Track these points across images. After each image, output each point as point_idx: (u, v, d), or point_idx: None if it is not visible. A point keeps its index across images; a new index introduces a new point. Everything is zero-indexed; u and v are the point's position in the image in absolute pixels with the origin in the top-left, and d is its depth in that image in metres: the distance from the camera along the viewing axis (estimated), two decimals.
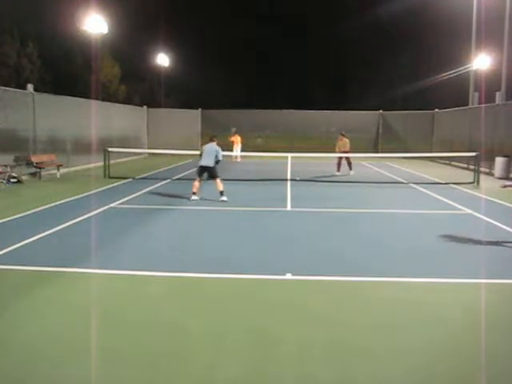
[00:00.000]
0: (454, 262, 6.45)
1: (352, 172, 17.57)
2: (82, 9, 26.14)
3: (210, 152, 10.89)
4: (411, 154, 22.76)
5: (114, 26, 31.02)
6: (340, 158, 17.81)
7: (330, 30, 75.31)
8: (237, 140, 24.13)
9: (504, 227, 8.55)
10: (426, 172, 18.99)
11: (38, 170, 15.42)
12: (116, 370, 3.60)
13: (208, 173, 11.06)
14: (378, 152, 27.84)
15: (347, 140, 17.79)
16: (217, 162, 11.02)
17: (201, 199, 11.24)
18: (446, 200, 11.74)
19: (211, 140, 11.35)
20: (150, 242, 7.43)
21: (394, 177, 17.34)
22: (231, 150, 23.07)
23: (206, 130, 30.10)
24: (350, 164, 17.75)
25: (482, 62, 26.75)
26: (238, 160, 23.91)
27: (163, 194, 12.57)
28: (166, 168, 19.66)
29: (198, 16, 64.82)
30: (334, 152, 18.24)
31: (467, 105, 25.65)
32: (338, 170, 17.75)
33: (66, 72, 39.59)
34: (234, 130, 24.65)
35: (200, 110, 30.26)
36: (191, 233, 8.13)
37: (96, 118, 20.13)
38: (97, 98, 24.71)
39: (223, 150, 11.64)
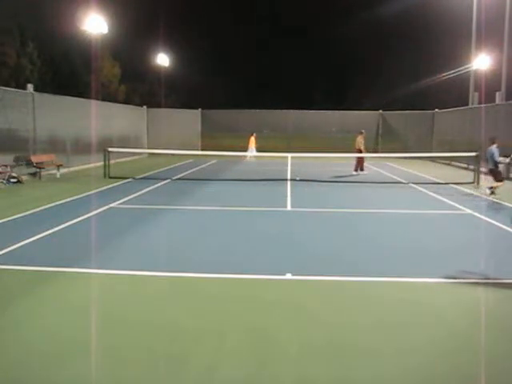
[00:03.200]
0: (454, 262, 6.44)
1: (355, 172, 17.51)
2: (82, 9, 26.16)
3: (489, 154, 11.28)
4: (411, 154, 22.75)
5: (114, 26, 31.06)
6: (358, 157, 17.79)
7: (330, 30, 75.35)
8: (253, 141, 24.84)
9: (504, 227, 8.55)
10: (426, 172, 18.98)
11: (38, 170, 15.43)
12: (116, 369, 3.60)
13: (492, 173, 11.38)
14: (378, 152, 27.84)
15: (360, 139, 17.68)
16: (495, 163, 11.43)
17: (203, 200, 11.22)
18: (446, 200, 11.74)
19: (492, 142, 11.68)
20: (150, 241, 7.42)
21: (394, 177, 17.34)
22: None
23: (206, 130, 30.17)
24: (358, 164, 17.68)
25: (481, 61, 26.75)
26: (248, 159, 24.28)
27: (163, 194, 12.57)
28: (165, 168, 19.66)
29: (198, 16, 64.85)
30: (333, 152, 18.30)
31: (467, 105, 25.66)
32: (358, 169, 17.68)
33: (66, 72, 39.62)
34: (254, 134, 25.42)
35: (200, 110, 30.28)
36: (191, 233, 8.12)
37: (96, 118, 20.13)
38: (97, 98, 24.72)
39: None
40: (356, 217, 9.80)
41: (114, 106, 24.93)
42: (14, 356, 3.77)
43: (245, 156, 23.74)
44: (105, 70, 43.21)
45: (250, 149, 24.36)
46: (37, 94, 16.57)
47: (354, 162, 18.14)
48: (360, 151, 17.68)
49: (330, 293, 5.28)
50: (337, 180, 16.13)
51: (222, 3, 74.34)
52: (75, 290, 5.23)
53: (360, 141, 17.73)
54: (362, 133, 17.89)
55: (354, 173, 17.54)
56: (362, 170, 17.71)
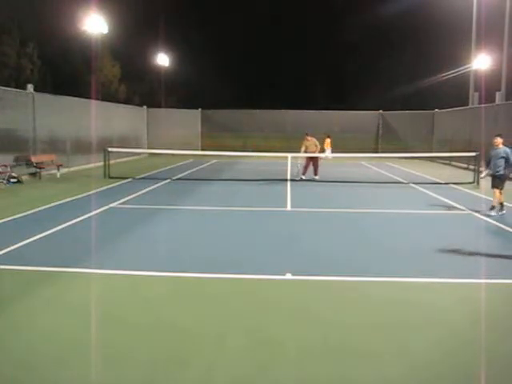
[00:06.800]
0: (454, 262, 6.44)
1: (317, 177, 16.15)
2: (82, 9, 26.18)
3: (496, 157, 9.50)
4: (411, 154, 22.76)
5: (114, 26, 31.05)
6: (308, 159, 16.40)
7: (330, 30, 75.41)
8: (328, 142, 24.83)
9: (503, 227, 8.55)
10: (426, 172, 18.99)
11: (38, 170, 15.43)
12: (115, 369, 3.60)
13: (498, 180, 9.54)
14: (378, 152, 27.84)
15: (315, 140, 16.50)
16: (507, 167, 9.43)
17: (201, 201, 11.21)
18: (446, 200, 11.74)
19: (499, 141, 9.83)
20: (150, 241, 7.42)
21: (394, 177, 17.35)
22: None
23: (206, 130, 30.20)
24: (316, 168, 16.30)
25: (481, 61, 26.75)
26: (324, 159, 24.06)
27: (163, 193, 12.57)
28: (165, 168, 19.66)
29: (198, 16, 64.88)
30: (333, 152, 17.86)
31: (467, 105, 25.65)
32: (304, 173, 16.18)
33: (66, 72, 39.61)
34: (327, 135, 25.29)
35: (200, 110, 30.29)
36: (191, 233, 8.12)
37: (96, 117, 20.15)
38: (97, 98, 24.72)
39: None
40: (356, 217, 9.79)
41: (113, 106, 24.92)
42: (13, 356, 3.77)
43: (326, 156, 23.29)
44: (105, 69, 43.18)
45: (327, 149, 24.34)
46: (37, 94, 16.56)
47: (354, 162, 17.72)
48: (313, 153, 16.30)
49: (330, 293, 5.28)
50: (336, 180, 16.11)
51: (222, 3, 74.32)
52: (75, 290, 5.23)
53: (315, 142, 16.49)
54: (308, 134, 16.68)
55: (303, 177, 16.04)
56: (316, 174, 16.29)
